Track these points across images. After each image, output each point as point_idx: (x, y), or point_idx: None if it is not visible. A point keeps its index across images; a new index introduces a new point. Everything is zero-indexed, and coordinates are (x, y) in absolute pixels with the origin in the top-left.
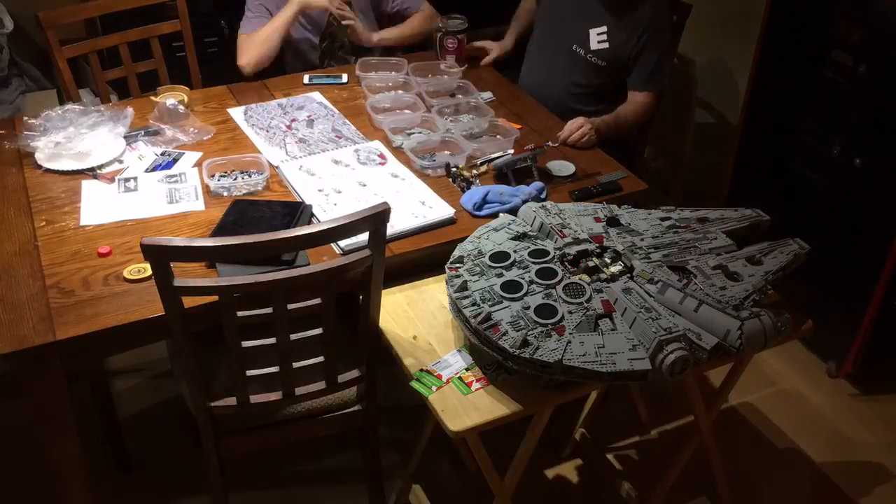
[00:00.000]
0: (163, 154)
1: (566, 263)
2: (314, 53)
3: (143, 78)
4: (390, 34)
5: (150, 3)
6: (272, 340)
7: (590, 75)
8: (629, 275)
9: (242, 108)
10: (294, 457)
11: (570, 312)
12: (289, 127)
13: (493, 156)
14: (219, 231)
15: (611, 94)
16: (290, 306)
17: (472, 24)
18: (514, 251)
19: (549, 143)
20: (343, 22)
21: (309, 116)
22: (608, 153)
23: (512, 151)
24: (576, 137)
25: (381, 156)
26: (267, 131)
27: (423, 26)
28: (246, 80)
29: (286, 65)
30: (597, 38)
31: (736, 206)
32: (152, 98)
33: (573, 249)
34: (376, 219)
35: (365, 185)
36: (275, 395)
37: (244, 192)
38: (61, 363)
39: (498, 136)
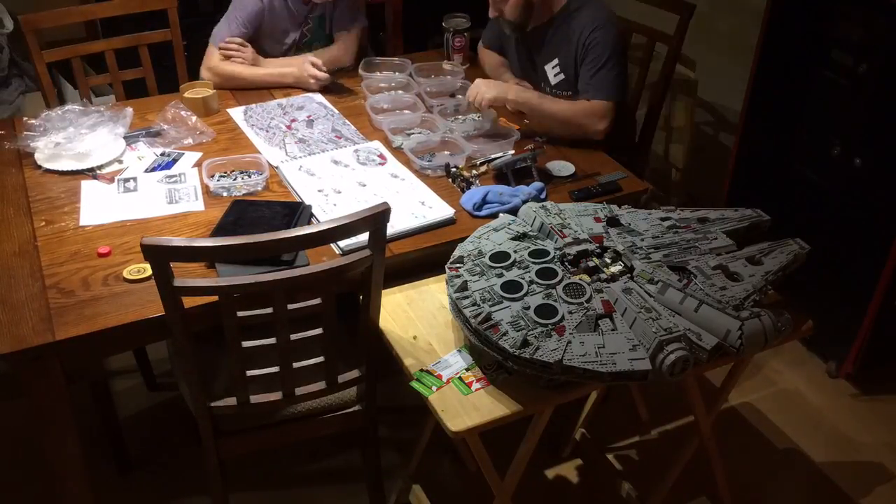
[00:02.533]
0: (162, 154)
1: (566, 263)
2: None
3: (133, 85)
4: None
5: (138, 11)
6: (272, 340)
7: None
8: (629, 275)
9: (242, 108)
10: (294, 457)
11: (570, 312)
12: (288, 127)
13: (494, 156)
14: (219, 231)
15: None
16: (290, 306)
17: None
18: (515, 251)
19: (539, 139)
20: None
21: (308, 117)
22: (610, 153)
23: (512, 152)
24: (470, 99)
25: (381, 156)
26: (267, 131)
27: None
28: None
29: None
30: (552, 72)
31: (736, 206)
32: (184, 96)
33: (573, 249)
34: (376, 219)
35: (365, 186)
36: (275, 396)
37: (244, 192)
38: (61, 363)
39: (498, 138)
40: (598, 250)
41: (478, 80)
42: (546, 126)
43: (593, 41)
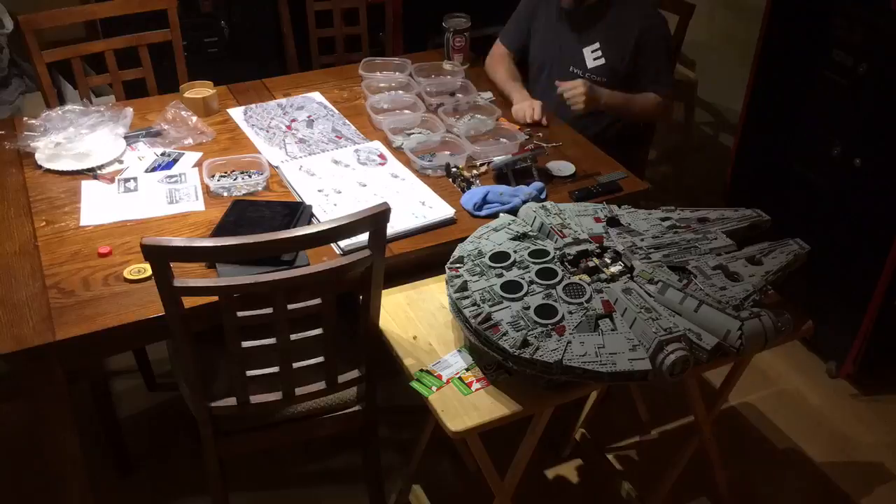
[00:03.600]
0: (163, 154)
1: (566, 264)
2: None
3: (133, 85)
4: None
5: (138, 11)
6: (272, 341)
7: None
8: (629, 275)
9: (242, 108)
10: (294, 457)
11: (570, 312)
12: (289, 127)
13: (494, 157)
14: (219, 231)
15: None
16: (291, 306)
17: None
18: (515, 251)
19: (545, 145)
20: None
21: (309, 117)
22: (610, 153)
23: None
24: (567, 94)
25: (381, 156)
26: (267, 131)
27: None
28: (246, 81)
29: None
30: (591, 55)
31: (736, 206)
32: (184, 96)
33: (573, 249)
34: (376, 219)
35: (365, 186)
36: (275, 396)
37: (244, 192)
38: (61, 363)
39: (501, 139)
40: (598, 250)
41: (577, 82)
42: (625, 118)
43: (654, 36)
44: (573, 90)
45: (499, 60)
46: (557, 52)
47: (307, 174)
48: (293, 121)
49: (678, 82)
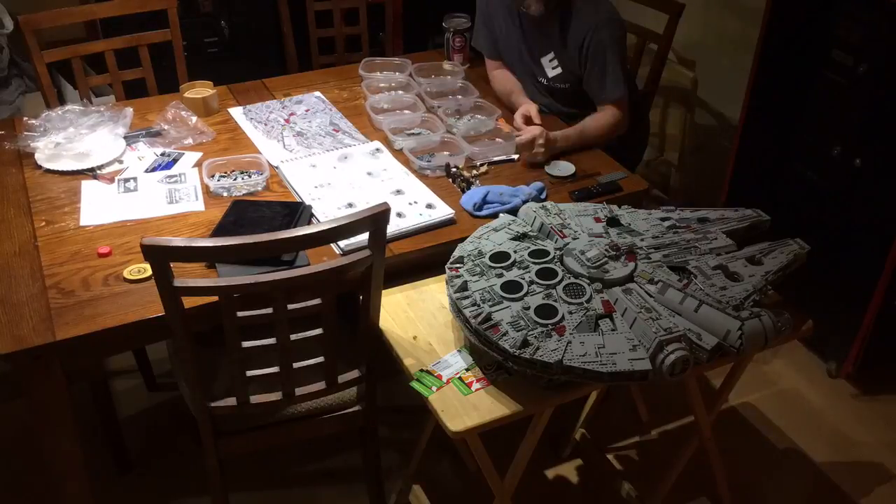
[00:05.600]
0: (162, 154)
1: (566, 264)
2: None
3: (133, 85)
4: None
5: (138, 11)
6: (272, 341)
7: (562, 99)
8: (629, 275)
9: (242, 107)
10: (294, 457)
11: (570, 313)
12: (287, 121)
13: (495, 158)
14: (219, 231)
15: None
16: (290, 306)
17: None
18: (515, 251)
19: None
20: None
21: (307, 110)
22: (610, 153)
23: (517, 157)
24: (524, 154)
25: (381, 156)
26: (265, 125)
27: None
28: (246, 81)
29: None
30: (549, 65)
31: (736, 206)
32: (184, 96)
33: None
34: (376, 219)
35: (364, 185)
36: (275, 396)
37: (244, 192)
38: (61, 363)
39: (498, 140)
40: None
41: (535, 132)
42: (588, 146)
43: (597, 41)
44: (531, 149)
45: (498, 77)
46: (519, 60)
47: (307, 174)
48: (291, 114)
49: (678, 82)
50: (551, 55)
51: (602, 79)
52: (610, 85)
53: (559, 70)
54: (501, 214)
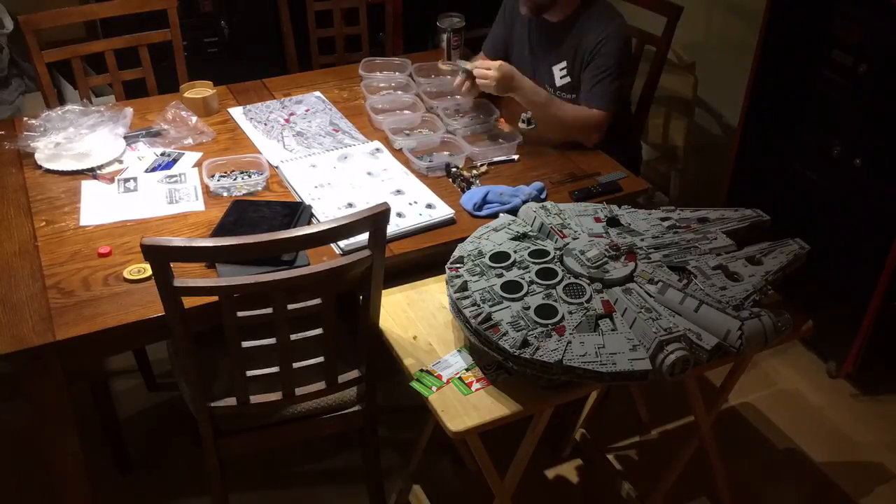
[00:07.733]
0: (162, 154)
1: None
2: None
3: (133, 85)
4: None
5: (138, 11)
6: (272, 341)
7: None
8: (629, 275)
9: (241, 107)
10: (294, 457)
11: (570, 313)
12: (286, 121)
13: (495, 159)
14: (219, 231)
15: None
16: (290, 306)
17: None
18: (515, 251)
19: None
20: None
21: (307, 110)
22: (609, 152)
23: (516, 157)
24: (476, 73)
25: (381, 156)
26: (265, 125)
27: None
28: (246, 81)
29: None
30: (559, 73)
31: (736, 206)
32: (184, 96)
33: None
34: (376, 219)
35: (364, 185)
36: (275, 396)
37: (244, 192)
38: (61, 363)
39: (500, 140)
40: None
41: (501, 63)
42: (546, 127)
43: (599, 51)
44: (483, 73)
45: None
46: (530, 68)
47: (307, 174)
48: (291, 114)
49: (678, 82)
50: (563, 63)
51: (592, 84)
52: (597, 92)
53: (567, 79)
54: (501, 214)
